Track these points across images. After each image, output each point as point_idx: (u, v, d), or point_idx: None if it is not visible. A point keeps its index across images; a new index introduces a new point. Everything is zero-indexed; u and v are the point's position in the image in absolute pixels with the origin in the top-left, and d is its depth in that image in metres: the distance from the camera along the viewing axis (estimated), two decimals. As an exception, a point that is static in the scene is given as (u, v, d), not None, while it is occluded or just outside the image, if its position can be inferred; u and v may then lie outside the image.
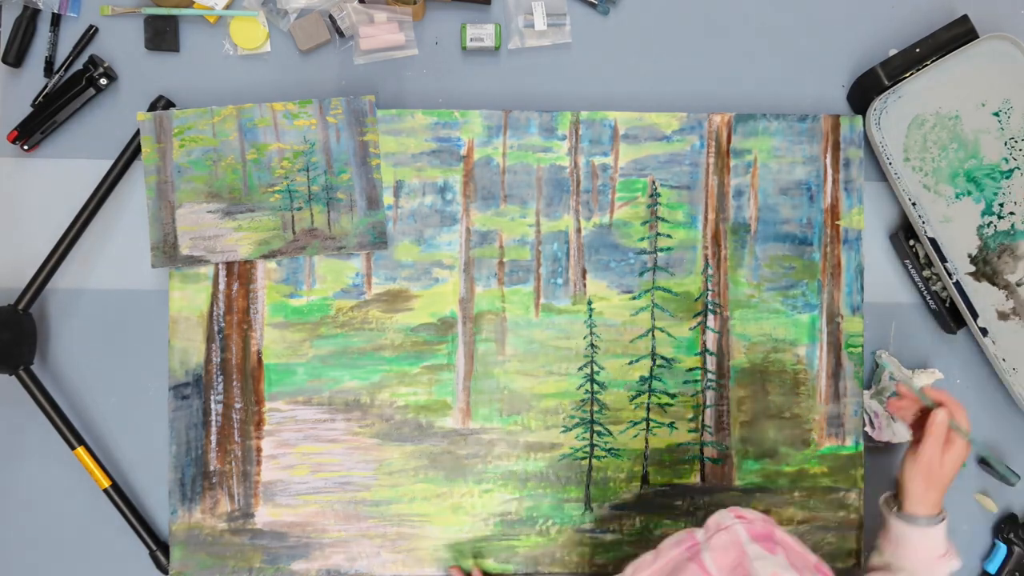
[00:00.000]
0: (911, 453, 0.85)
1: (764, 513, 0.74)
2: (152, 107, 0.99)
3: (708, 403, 1.01)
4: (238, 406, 0.99)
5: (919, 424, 0.86)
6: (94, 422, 1.01)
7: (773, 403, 1.02)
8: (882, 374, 1.03)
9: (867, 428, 1.03)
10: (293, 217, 0.98)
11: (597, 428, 1.00)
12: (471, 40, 1.01)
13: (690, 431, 1.01)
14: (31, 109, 1.00)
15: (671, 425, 1.01)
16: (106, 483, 0.96)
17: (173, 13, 1.00)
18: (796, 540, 0.73)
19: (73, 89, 0.99)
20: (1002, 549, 1.04)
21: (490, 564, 0.99)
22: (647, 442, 1.01)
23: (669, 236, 1.01)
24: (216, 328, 0.98)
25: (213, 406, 0.98)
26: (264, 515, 0.98)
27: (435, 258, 1.00)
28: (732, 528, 0.71)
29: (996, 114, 1.01)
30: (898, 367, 1.02)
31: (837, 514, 1.02)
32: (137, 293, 1.01)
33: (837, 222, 1.03)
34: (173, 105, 1.00)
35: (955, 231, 1.01)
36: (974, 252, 1.01)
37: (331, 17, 1.00)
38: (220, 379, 0.98)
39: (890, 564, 0.86)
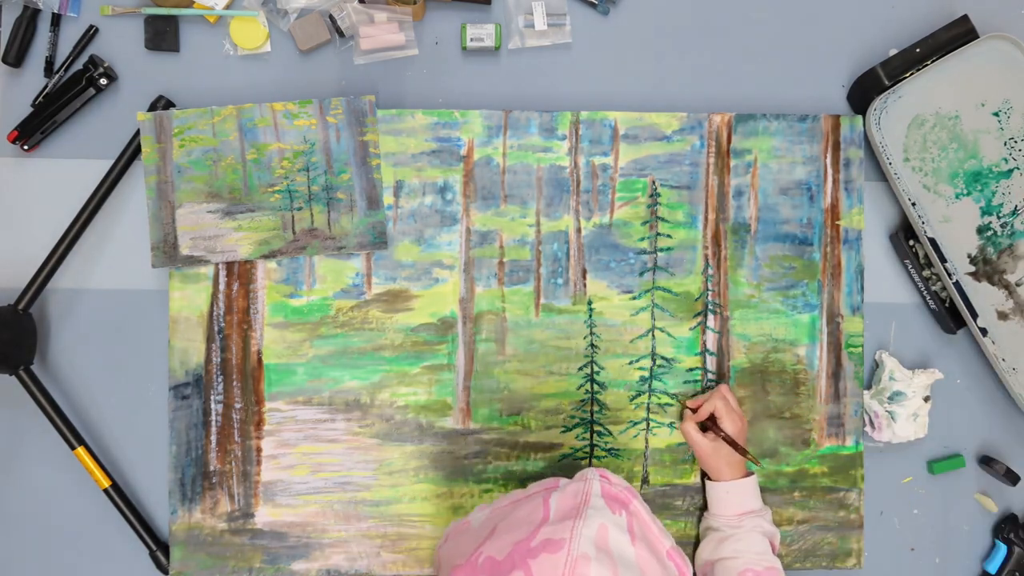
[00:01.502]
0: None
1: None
2: (152, 107, 0.99)
3: (708, 403, 1.01)
4: (238, 406, 0.99)
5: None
6: (94, 422, 1.01)
7: (773, 403, 1.02)
8: (882, 374, 1.03)
9: (867, 428, 1.03)
10: (293, 217, 0.98)
11: (597, 428, 1.00)
12: (471, 40, 1.01)
13: (690, 431, 1.01)
14: (31, 109, 1.00)
15: (671, 425, 1.01)
16: (106, 483, 0.96)
17: (173, 13, 1.00)
18: (656, 523, 0.72)
19: (73, 89, 0.99)
20: (1002, 549, 1.04)
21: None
22: (647, 442, 1.01)
23: (669, 236, 1.02)
24: (216, 328, 0.98)
25: (213, 406, 0.98)
26: (264, 515, 0.98)
27: (435, 258, 1.00)
28: (590, 481, 0.71)
29: (996, 114, 1.01)
30: (898, 367, 1.02)
31: (837, 514, 1.02)
32: (137, 293, 1.01)
33: (837, 222, 1.03)
34: (173, 105, 1.00)
35: (955, 231, 1.01)
36: (974, 252, 1.01)
37: (331, 17, 1.00)
38: (220, 379, 0.98)
39: (709, 527, 0.96)
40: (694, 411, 0.97)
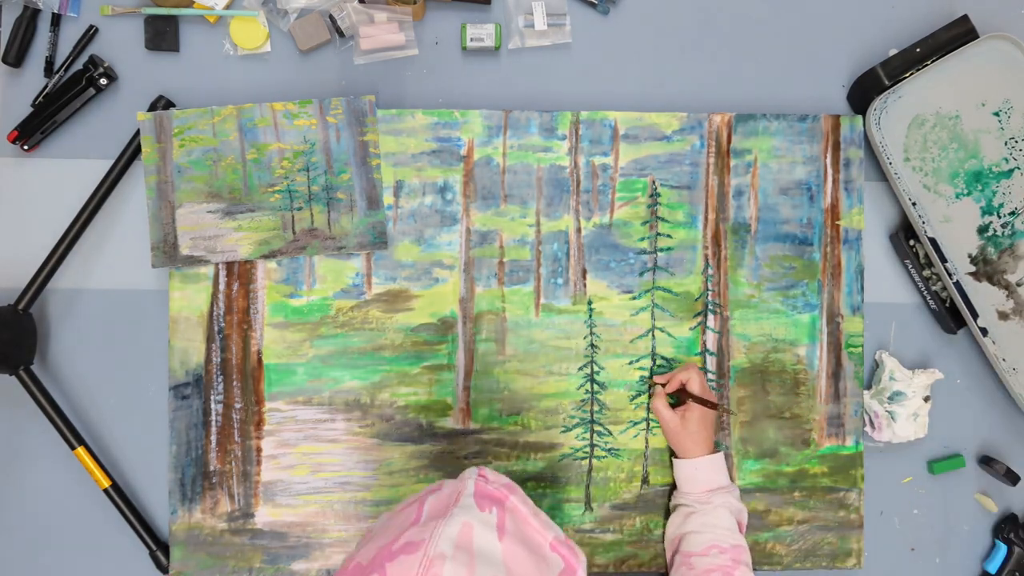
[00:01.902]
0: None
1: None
2: (152, 107, 0.99)
3: (708, 403, 1.01)
4: (238, 406, 0.99)
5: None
6: (94, 422, 1.01)
7: (773, 403, 1.02)
8: (882, 374, 1.03)
9: (867, 428, 1.03)
10: (293, 217, 0.98)
11: (597, 428, 1.00)
12: (471, 40, 1.01)
13: (690, 431, 1.01)
14: (31, 109, 1.00)
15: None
16: (106, 483, 0.96)
17: (173, 13, 1.00)
18: (538, 515, 0.68)
19: (73, 89, 0.99)
20: (1002, 549, 1.04)
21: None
22: (647, 442, 1.01)
23: (669, 236, 1.02)
24: (216, 328, 0.98)
25: (213, 406, 0.98)
26: (264, 515, 0.98)
27: (435, 258, 1.00)
28: (465, 481, 0.69)
29: (996, 114, 1.01)
30: (898, 367, 1.02)
31: (837, 514, 1.02)
32: (137, 293, 1.01)
33: (837, 222, 1.03)
34: (173, 105, 1.00)
35: (955, 231, 1.01)
36: (974, 252, 1.01)
37: (331, 17, 1.00)
38: (220, 379, 0.98)
39: (678, 504, 0.97)
40: (664, 388, 0.98)
